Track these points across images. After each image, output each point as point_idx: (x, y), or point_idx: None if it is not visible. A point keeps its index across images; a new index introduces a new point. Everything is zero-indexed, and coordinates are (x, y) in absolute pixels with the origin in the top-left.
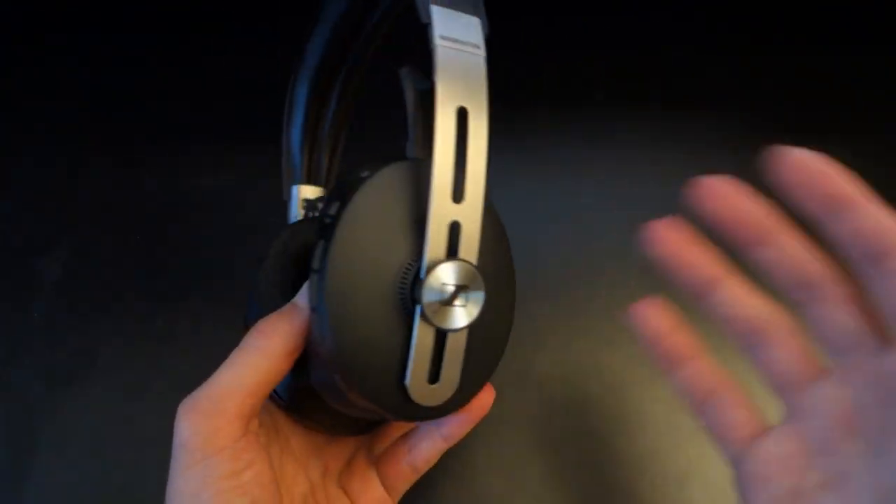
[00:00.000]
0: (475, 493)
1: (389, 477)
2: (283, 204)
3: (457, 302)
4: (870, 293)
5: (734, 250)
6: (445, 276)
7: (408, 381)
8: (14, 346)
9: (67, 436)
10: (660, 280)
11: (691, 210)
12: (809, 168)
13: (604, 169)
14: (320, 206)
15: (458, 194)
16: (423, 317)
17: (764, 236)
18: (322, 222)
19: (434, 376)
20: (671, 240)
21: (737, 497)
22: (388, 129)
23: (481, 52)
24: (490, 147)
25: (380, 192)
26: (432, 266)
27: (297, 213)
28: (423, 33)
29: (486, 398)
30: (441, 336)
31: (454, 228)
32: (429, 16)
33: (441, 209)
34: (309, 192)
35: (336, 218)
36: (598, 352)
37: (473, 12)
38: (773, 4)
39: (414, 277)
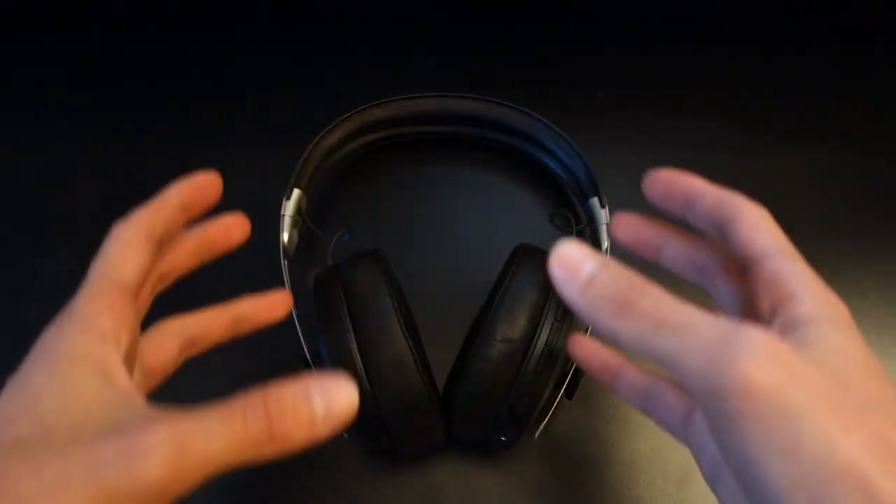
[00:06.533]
0: (473, 490)
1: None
2: (282, 204)
3: None
4: (734, 255)
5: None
6: None
7: None
8: (14, 346)
9: None
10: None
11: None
12: (662, 179)
13: (603, 168)
14: None
15: None
16: None
17: (659, 245)
18: None
19: None
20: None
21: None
22: None
23: None
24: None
25: None
26: None
27: None
28: None
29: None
30: None
31: None
32: None
33: None
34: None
35: None
36: None
37: None
38: (774, 5)
39: None
